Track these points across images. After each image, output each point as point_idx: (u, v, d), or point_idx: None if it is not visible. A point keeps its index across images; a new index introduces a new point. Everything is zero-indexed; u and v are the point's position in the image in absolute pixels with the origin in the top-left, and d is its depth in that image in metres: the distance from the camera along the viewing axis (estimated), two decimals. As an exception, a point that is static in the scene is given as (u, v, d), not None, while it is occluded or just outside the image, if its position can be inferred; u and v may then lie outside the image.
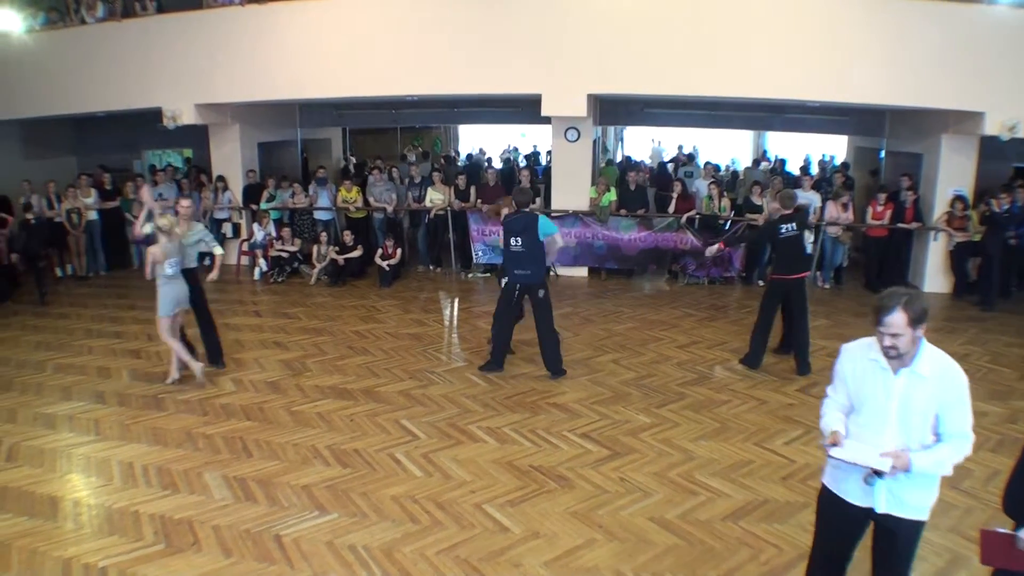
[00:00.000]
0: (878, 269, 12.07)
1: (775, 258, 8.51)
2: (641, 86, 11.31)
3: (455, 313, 11.11)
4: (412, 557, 4.84)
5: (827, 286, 12.14)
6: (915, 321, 3.17)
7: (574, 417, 7.09)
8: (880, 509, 3.40)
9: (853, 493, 3.48)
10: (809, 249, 8.52)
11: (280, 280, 12.81)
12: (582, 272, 13.13)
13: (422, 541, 5.03)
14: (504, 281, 8.19)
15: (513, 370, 8.33)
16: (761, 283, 8.68)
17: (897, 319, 3.16)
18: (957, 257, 11.53)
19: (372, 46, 11.63)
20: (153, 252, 7.52)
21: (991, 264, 10.98)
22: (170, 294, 7.64)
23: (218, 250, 8.23)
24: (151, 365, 8.52)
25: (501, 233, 8.17)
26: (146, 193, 8.99)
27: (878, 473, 3.28)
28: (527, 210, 8.06)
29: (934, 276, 11.88)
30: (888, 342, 3.22)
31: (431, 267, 13.66)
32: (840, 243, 12.13)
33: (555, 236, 8.00)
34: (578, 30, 10.93)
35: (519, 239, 7.83)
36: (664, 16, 10.71)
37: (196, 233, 8.04)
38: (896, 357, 3.25)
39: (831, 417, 3.55)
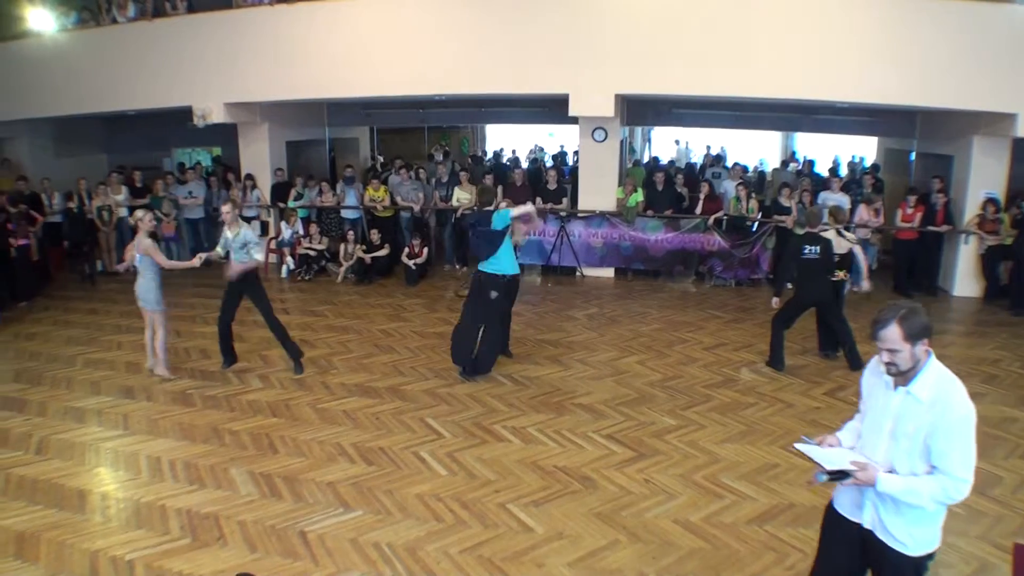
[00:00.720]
0: (908, 272, 11.95)
1: (795, 276, 8.45)
2: (669, 86, 11.26)
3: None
4: (435, 555, 4.85)
5: (856, 290, 11.99)
6: (912, 337, 3.00)
7: (599, 418, 7.07)
8: (865, 524, 3.29)
9: (843, 504, 3.42)
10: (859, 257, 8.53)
11: (307, 278, 12.89)
12: (608, 273, 13.09)
13: (446, 540, 5.04)
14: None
15: (538, 370, 8.33)
16: (789, 285, 8.61)
17: (891, 334, 3.01)
18: (988, 260, 11.36)
19: (400, 46, 11.67)
20: (147, 246, 7.75)
21: (1023, 268, 10.82)
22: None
23: (258, 255, 8.09)
24: (179, 360, 8.59)
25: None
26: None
27: (835, 476, 3.14)
28: (490, 208, 8.08)
29: (965, 280, 11.73)
30: (886, 358, 3.07)
31: (457, 266, 13.67)
32: (870, 245, 12.01)
33: (508, 215, 7.86)
34: (606, 30, 10.90)
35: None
36: (692, 16, 10.64)
37: (242, 236, 7.98)
38: (896, 374, 3.11)
39: (846, 425, 3.51)
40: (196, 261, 8.06)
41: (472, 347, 8.02)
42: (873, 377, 3.35)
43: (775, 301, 8.41)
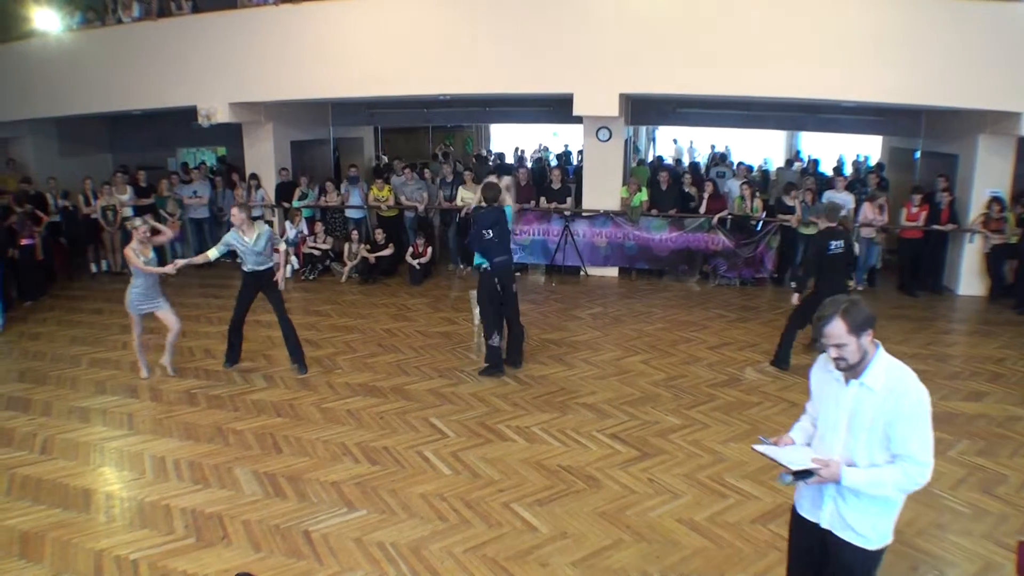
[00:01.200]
0: (912, 271, 11.93)
1: (819, 274, 8.38)
2: (673, 86, 11.23)
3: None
4: (439, 555, 4.85)
5: (860, 288, 11.99)
6: (856, 329, 3.04)
7: (603, 417, 7.06)
8: (823, 524, 3.30)
9: (803, 505, 3.43)
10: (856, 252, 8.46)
11: (312, 278, 12.89)
12: (612, 272, 13.08)
13: (450, 539, 5.04)
14: (482, 269, 8.26)
15: (542, 369, 8.32)
16: (793, 284, 8.57)
17: (836, 329, 3.05)
18: (993, 259, 11.33)
19: (405, 45, 11.67)
20: (127, 253, 7.90)
21: (1028, 267, 10.78)
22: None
23: (281, 245, 8.41)
24: (184, 360, 8.61)
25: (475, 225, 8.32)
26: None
27: (799, 476, 3.15)
28: (496, 204, 8.19)
29: (969, 278, 11.70)
30: (834, 353, 3.10)
31: (461, 266, 13.66)
32: (874, 244, 11.98)
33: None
34: (610, 29, 10.88)
35: (491, 231, 8.00)
36: (697, 16, 10.62)
37: (266, 234, 8.09)
38: (846, 369, 3.13)
39: (796, 426, 3.53)
40: (171, 268, 8.11)
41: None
42: (820, 374, 3.39)
43: (795, 298, 8.33)
